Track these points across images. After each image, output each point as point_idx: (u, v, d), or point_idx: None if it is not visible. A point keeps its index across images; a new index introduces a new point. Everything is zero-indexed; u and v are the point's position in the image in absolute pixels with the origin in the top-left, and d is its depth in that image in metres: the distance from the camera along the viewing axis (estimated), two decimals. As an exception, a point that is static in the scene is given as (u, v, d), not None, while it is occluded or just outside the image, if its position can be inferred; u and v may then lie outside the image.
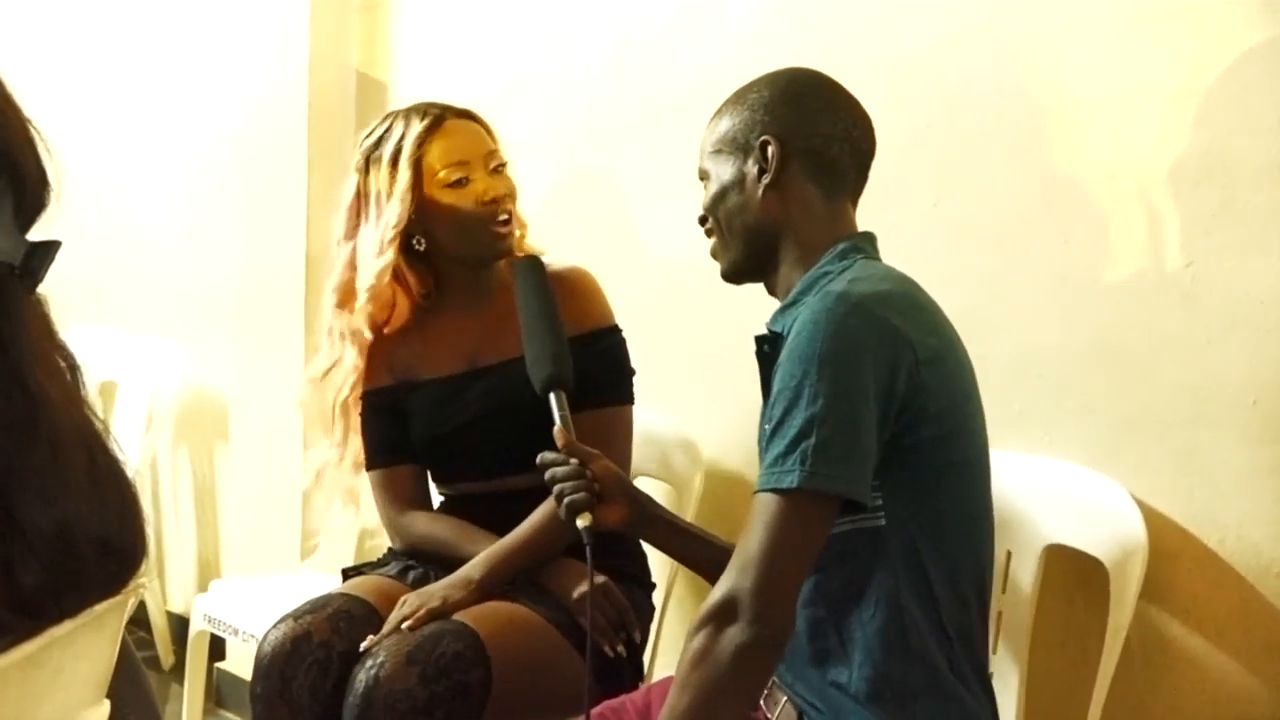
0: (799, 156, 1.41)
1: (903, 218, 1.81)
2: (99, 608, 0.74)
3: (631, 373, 1.86)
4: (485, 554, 1.74)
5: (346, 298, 1.87)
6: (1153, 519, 1.60)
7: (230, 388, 3.04)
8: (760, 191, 1.42)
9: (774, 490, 1.25)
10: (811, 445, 1.23)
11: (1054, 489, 1.67)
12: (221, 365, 3.06)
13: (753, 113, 1.43)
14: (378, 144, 1.84)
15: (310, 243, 2.75)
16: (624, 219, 2.33)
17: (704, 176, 1.48)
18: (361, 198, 1.84)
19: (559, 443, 1.48)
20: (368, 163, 1.84)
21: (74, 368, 0.77)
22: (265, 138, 2.86)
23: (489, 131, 1.88)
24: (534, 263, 1.66)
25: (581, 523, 1.44)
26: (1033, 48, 1.76)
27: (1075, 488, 1.66)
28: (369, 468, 1.90)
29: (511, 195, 1.85)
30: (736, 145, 1.44)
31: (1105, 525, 1.60)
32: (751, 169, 1.42)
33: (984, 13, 1.82)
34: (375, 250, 1.81)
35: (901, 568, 1.32)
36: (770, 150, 1.41)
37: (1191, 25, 1.61)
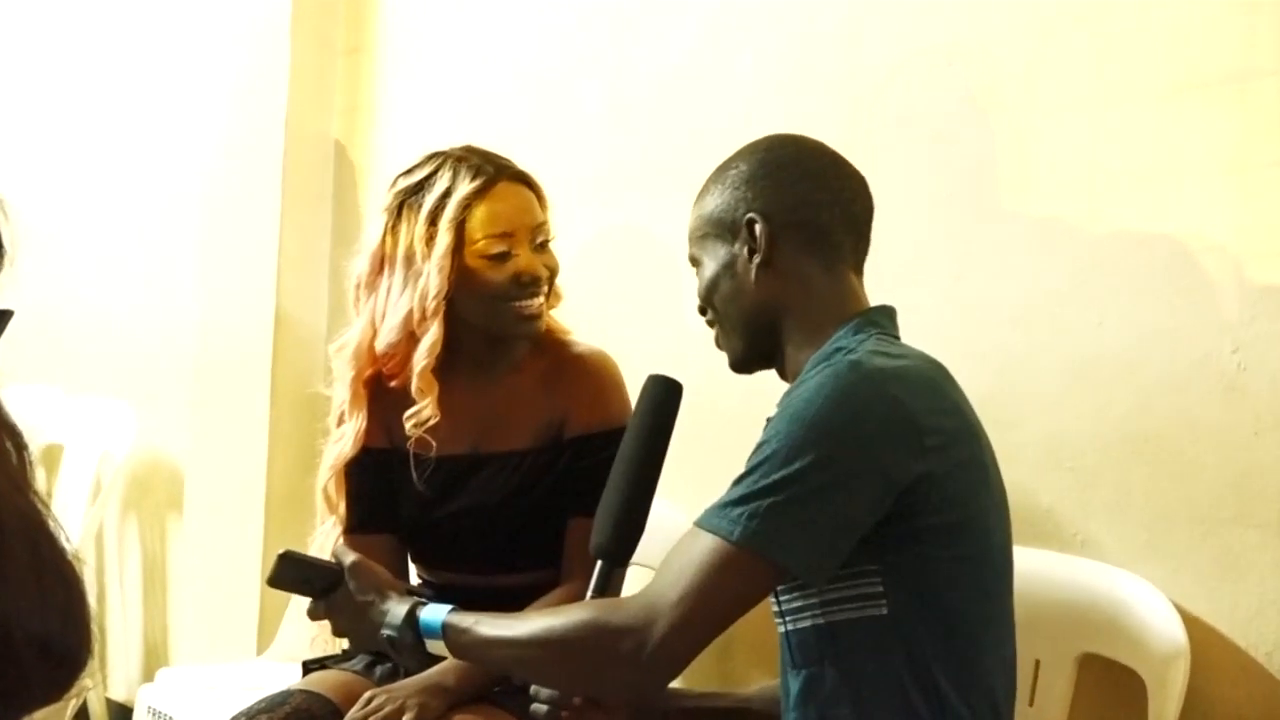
0: (788, 230, 1.42)
1: (922, 294, 1.81)
2: (37, 715, 0.73)
3: None
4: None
5: (367, 363, 1.82)
6: (1194, 627, 1.57)
7: (186, 455, 3.01)
8: (753, 274, 1.42)
9: (715, 534, 1.27)
10: (768, 505, 1.25)
11: (1086, 593, 1.65)
12: (177, 430, 3.03)
13: (735, 190, 1.44)
14: (417, 190, 1.78)
15: (280, 300, 2.75)
16: (619, 287, 2.32)
17: (695, 263, 1.49)
18: (388, 245, 1.79)
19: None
20: (401, 208, 1.78)
21: (21, 448, 0.76)
22: (235, 185, 2.86)
23: (541, 200, 1.82)
24: (671, 391, 1.49)
25: None
26: (1062, 117, 1.77)
27: (1110, 592, 1.63)
28: (348, 531, 1.85)
29: (553, 274, 1.80)
30: (723, 226, 1.44)
31: (1142, 633, 1.58)
32: (741, 250, 1.43)
33: (1011, 81, 1.83)
34: (407, 320, 1.76)
35: (905, 666, 1.31)
36: (758, 229, 1.41)
37: (1236, 98, 1.62)
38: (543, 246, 1.80)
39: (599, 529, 1.44)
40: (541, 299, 1.79)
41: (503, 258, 1.76)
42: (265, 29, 2.78)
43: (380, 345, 1.79)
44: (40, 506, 0.73)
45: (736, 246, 1.43)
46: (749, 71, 2.15)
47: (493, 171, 1.78)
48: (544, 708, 1.39)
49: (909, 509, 1.29)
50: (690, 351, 2.14)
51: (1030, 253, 1.81)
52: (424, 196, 1.77)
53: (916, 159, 1.88)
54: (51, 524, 0.73)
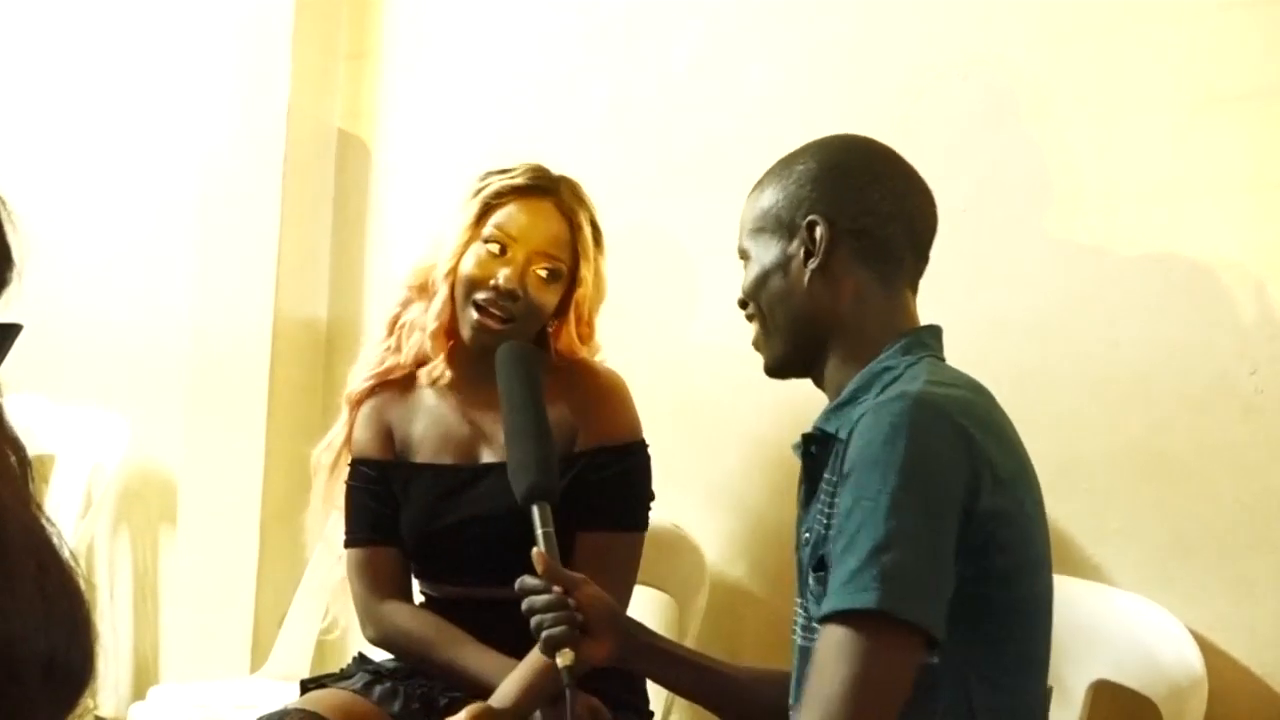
0: (849, 238, 1.38)
1: (935, 309, 1.80)
2: (37, 736, 0.72)
3: (650, 497, 1.84)
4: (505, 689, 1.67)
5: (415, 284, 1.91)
6: (1210, 654, 1.57)
7: (180, 466, 3.00)
8: (807, 277, 1.39)
9: (848, 613, 1.20)
10: (891, 563, 1.19)
11: (1100, 618, 1.65)
12: (171, 440, 3.02)
13: (799, 187, 1.40)
14: (489, 175, 1.89)
15: (279, 307, 2.74)
16: (620, 298, 2.32)
17: (744, 255, 1.46)
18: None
19: (538, 566, 1.41)
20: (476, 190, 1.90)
21: (24, 462, 0.75)
22: (232, 191, 2.85)
23: (579, 241, 1.84)
24: (523, 351, 1.61)
25: (561, 661, 1.38)
26: (1078, 132, 1.78)
27: (1123, 617, 1.63)
28: (349, 544, 1.89)
29: (533, 309, 1.81)
30: (780, 224, 1.41)
31: (1157, 660, 1.58)
32: (797, 251, 1.39)
33: (1027, 95, 1.83)
34: (425, 270, 1.86)
35: (945, 704, 1.29)
36: (818, 231, 1.38)
37: (1254, 115, 1.62)
38: (548, 279, 1.82)
39: (521, 478, 1.47)
40: (505, 316, 1.79)
41: (498, 253, 1.81)
42: (267, 34, 2.78)
43: (408, 277, 1.91)
44: (44, 521, 0.72)
45: (793, 246, 1.39)
46: (758, 81, 2.15)
47: (547, 185, 1.86)
48: (539, 602, 1.41)
49: (976, 550, 1.26)
50: (697, 355, 2.14)
51: (1045, 269, 1.81)
52: (485, 180, 1.88)
53: (930, 172, 1.87)
54: (56, 539, 0.72)
